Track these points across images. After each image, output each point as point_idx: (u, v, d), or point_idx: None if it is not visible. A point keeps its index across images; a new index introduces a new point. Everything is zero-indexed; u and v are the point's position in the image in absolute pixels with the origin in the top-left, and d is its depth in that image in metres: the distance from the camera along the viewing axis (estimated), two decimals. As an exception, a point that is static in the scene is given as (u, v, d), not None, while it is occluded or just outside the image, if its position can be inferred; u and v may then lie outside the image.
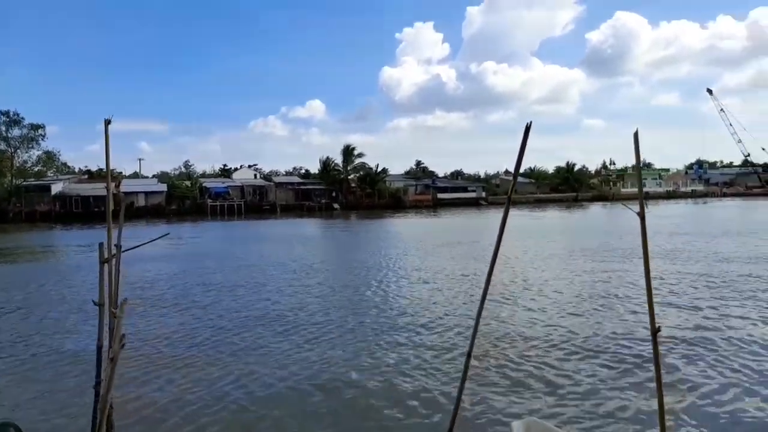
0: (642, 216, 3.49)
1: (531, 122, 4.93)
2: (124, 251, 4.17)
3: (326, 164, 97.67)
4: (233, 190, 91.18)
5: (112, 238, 4.14)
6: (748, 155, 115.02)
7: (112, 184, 4.76)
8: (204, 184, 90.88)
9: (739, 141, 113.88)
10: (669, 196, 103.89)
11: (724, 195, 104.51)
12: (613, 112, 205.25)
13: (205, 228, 56.05)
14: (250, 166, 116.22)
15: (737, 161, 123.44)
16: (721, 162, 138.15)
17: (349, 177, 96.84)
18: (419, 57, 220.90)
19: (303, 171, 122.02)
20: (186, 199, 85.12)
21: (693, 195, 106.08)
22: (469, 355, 4.29)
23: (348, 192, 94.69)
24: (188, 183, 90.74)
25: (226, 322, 13.13)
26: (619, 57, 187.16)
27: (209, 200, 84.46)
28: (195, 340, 11.61)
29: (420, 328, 12.21)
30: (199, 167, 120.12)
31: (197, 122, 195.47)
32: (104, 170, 4.81)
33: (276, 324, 12.81)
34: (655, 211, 62.84)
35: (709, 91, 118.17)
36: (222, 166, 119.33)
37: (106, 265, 4.02)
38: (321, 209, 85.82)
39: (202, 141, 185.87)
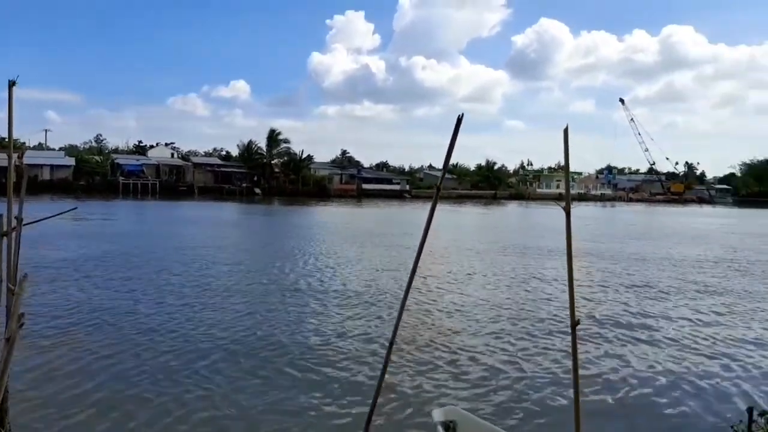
0: (567, 211, 3.60)
1: (462, 114, 4.92)
2: (25, 224, 3.83)
3: (249, 147, 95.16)
4: (148, 168, 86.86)
5: (12, 210, 3.79)
6: (653, 164, 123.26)
7: (15, 155, 4.41)
8: (117, 161, 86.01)
9: (646, 150, 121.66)
10: (580, 198, 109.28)
11: (630, 200, 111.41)
12: (532, 115, 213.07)
13: (117, 207, 53.22)
14: (167, 144, 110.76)
15: (643, 168, 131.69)
16: (629, 169, 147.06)
17: (272, 162, 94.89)
18: (349, 45, 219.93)
19: (224, 153, 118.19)
20: (96, 175, 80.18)
21: (602, 198, 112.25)
22: (391, 344, 4.28)
23: (271, 177, 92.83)
24: (99, 158, 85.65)
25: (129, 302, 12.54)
26: (542, 62, 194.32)
27: (121, 178, 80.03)
28: (101, 317, 11.08)
29: (344, 317, 12.18)
30: (112, 142, 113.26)
31: (112, 95, 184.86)
32: (5, 139, 4.37)
33: (189, 306, 12.36)
34: (573, 211, 65.97)
35: (622, 101, 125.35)
36: (137, 143, 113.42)
37: (5, 238, 3.65)
38: (242, 193, 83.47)
39: (116, 115, 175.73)
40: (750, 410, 6.60)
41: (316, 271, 18.30)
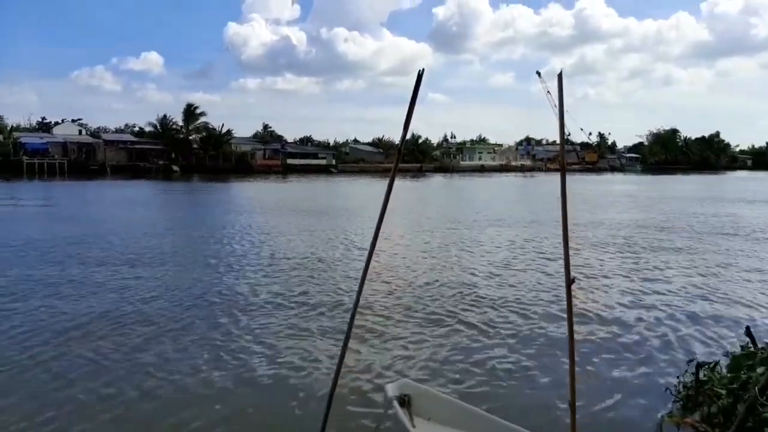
0: (563, 171, 3.33)
1: (423, 69, 4.56)
2: None
3: (164, 123, 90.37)
4: (54, 147, 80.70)
5: None
6: (569, 134, 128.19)
7: None
8: (20, 140, 79.23)
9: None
10: (502, 168, 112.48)
11: (548, 170, 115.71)
12: (454, 88, 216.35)
13: (21, 189, 49.15)
14: (74, 121, 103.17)
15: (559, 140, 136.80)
16: (546, 140, 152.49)
17: (190, 138, 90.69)
18: (267, 16, 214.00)
19: (137, 129, 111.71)
20: (-6, 155, 73.70)
21: (522, 169, 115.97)
22: (352, 318, 4.23)
23: (190, 154, 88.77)
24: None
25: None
26: (463, 35, 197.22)
27: (25, 158, 73.92)
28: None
29: (303, 292, 11.69)
30: (12, 120, 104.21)
31: (5, 68, 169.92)
32: None
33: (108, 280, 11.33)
34: (505, 180, 67.58)
35: (538, 74, 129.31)
36: (40, 120, 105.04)
37: None
38: (158, 171, 79.33)
39: (13, 90, 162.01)
40: (690, 362, 6.75)
41: (253, 248, 17.47)
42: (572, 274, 3.16)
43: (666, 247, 18.32)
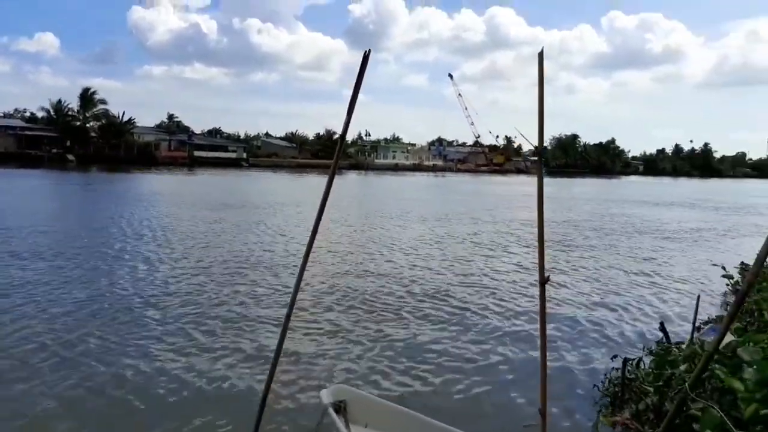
0: (540, 162, 3.09)
1: (369, 51, 4.26)
2: None
3: (58, 109, 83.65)
4: (-73, 130, 72.57)
5: None
6: (479, 137, 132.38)
7: None
8: None
9: (472, 123, 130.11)
10: (415, 168, 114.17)
11: (459, 170, 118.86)
12: (370, 87, 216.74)
13: None
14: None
15: (470, 141, 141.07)
16: (457, 141, 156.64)
17: (87, 125, 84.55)
18: (176, 2, 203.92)
19: (28, 115, 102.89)
20: None
21: (434, 169, 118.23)
22: (287, 317, 3.99)
23: (87, 142, 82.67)
24: None
25: None
26: (379, 34, 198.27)
27: None
28: None
29: (239, 293, 11.00)
30: None
31: None
32: None
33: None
34: (405, 179, 68.35)
35: (450, 76, 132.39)
36: None
37: None
38: (52, 160, 73.14)
39: None
40: (615, 358, 6.88)
41: (163, 248, 16.28)
42: (546, 273, 2.91)
43: (581, 245, 19.09)
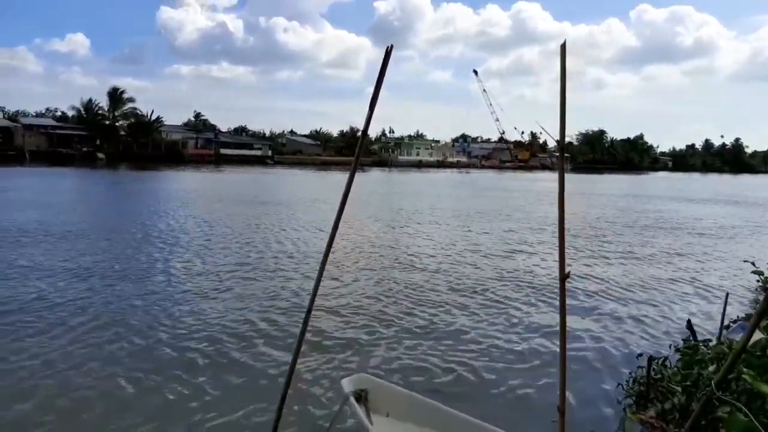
0: (562, 156, 3.08)
1: (392, 46, 4.24)
2: None
3: (88, 108, 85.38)
4: (-35, 129, 74.73)
5: None
6: (503, 133, 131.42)
7: None
8: (-76, 119, 72.78)
9: (497, 119, 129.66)
10: (439, 164, 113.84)
11: (483, 167, 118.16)
12: (394, 84, 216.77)
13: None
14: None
15: (494, 137, 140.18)
16: (481, 137, 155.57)
17: (117, 124, 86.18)
18: (203, 1, 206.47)
19: (60, 114, 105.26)
20: None
21: (458, 165, 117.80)
22: (308, 312, 3.97)
23: (116, 141, 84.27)
24: None
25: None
26: (404, 31, 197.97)
27: (-69, 139, 67.96)
28: None
29: (259, 285, 11.05)
30: None
31: None
32: None
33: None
34: (430, 175, 68.13)
35: (475, 72, 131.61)
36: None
37: None
38: (82, 159, 74.74)
39: None
40: (640, 356, 6.78)
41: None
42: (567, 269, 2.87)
43: (613, 241, 18.85)
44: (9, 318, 8.67)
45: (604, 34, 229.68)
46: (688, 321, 7.85)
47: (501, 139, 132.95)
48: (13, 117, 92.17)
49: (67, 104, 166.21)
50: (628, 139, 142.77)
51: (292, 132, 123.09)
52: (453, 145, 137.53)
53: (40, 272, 11.76)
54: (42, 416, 5.65)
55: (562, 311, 2.89)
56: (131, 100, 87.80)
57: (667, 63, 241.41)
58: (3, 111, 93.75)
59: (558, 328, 2.93)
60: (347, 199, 4.00)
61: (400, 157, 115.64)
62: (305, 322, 4.08)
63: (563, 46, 2.56)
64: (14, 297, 9.82)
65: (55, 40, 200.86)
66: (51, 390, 6.22)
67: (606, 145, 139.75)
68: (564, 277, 2.85)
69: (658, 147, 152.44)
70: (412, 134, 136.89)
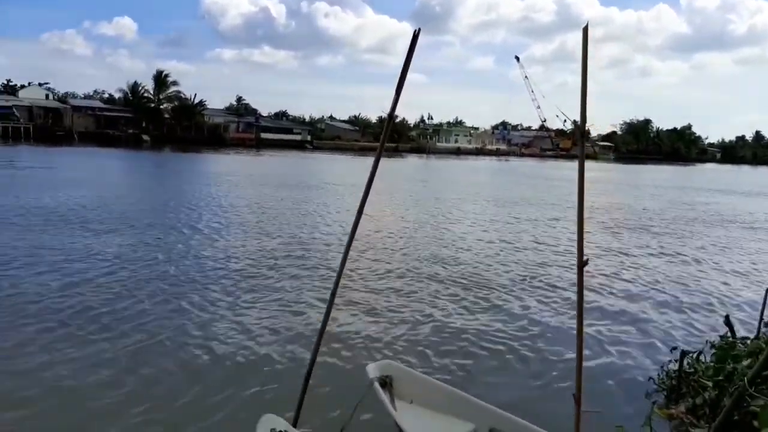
0: (582, 145, 3.03)
1: (419, 29, 4.27)
2: None
3: (135, 90, 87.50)
4: (19, 110, 77.61)
5: None
6: (545, 120, 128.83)
7: None
8: (-19, 100, 75.91)
9: (538, 107, 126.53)
10: (478, 152, 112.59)
11: (523, 155, 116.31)
12: (434, 69, 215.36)
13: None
14: (41, 85, 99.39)
15: (535, 125, 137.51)
16: (521, 125, 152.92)
17: (161, 107, 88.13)
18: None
19: (107, 96, 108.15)
20: (-46, 116, 70.50)
21: (497, 153, 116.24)
22: (333, 295, 4.06)
23: (161, 123, 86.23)
24: (-41, 98, 75.23)
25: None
26: (446, 16, 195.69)
27: (-13, 120, 70.92)
28: None
29: (282, 268, 11.29)
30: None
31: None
32: None
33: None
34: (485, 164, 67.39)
35: (517, 59, 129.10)
36: (5, 82, 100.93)
37: None
38: (128, 140, 76.81)
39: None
40: (674, 350, 6.64)
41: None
42: (585, 256, 2.84)
43: (657, 232, 18.41)
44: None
45: (654, 20, 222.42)
46: (727, 317, 7.62)
47: (542, 127, 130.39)
48: (63, 99, 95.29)
49: (114, 86, 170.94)
50: (675, 129, 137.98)
51: (331, 117, 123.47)
52: (492, 133, 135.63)
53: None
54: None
55: (580, 299, 2.88)
56: (175, 83, 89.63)
57: (718, 51, 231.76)
58: (53, 92, 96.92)
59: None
60: (372, 183, 4.06)
61: (438, 144, 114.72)
62: (329, 308, 4.17)
63: (585, 29, 2.51)
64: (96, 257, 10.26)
65: (103, 23, 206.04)
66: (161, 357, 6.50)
67: (651, 135, 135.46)
68: (582, 264, 2.85)
69: (706, 138, 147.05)
70: (451, 121, 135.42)
